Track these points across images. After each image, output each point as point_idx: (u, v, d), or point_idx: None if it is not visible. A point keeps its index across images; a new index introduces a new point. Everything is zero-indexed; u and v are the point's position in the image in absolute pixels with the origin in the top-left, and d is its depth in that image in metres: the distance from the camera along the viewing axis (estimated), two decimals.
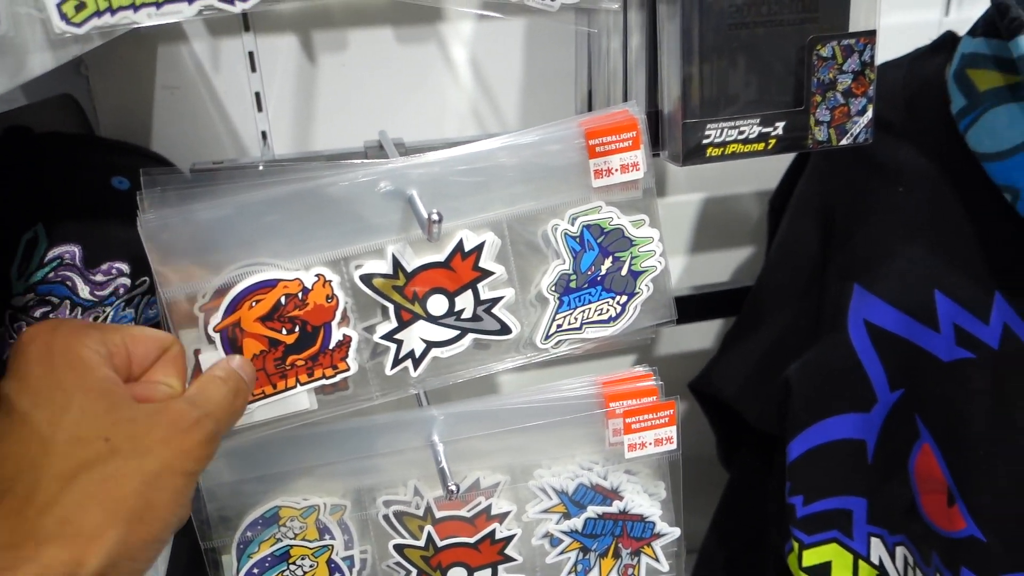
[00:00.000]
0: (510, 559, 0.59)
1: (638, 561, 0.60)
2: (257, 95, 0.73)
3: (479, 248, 0.51)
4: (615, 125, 0.51)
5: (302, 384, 0.50)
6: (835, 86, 0.57)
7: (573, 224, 0.53)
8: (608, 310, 0.55)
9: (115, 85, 0.71)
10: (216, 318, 0.48)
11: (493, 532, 0.58)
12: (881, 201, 0.67)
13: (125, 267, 0.58)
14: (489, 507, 0.58)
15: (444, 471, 0.53)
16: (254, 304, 0.48)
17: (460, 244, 0.51)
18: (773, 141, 0.58)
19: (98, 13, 0.41)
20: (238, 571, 0.55)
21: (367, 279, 0.50)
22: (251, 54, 0.72)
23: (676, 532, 0.60)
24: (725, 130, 0.57)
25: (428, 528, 0.57)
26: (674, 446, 0.57)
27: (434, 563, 0.58)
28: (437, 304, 0.52)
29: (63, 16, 0.40)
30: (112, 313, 0.58)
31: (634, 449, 0.57)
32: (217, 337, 0.48)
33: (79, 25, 0.40)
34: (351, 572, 0.57)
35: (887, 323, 0.65)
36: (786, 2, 0.55)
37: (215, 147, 0.74)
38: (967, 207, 0.63)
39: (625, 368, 0.59)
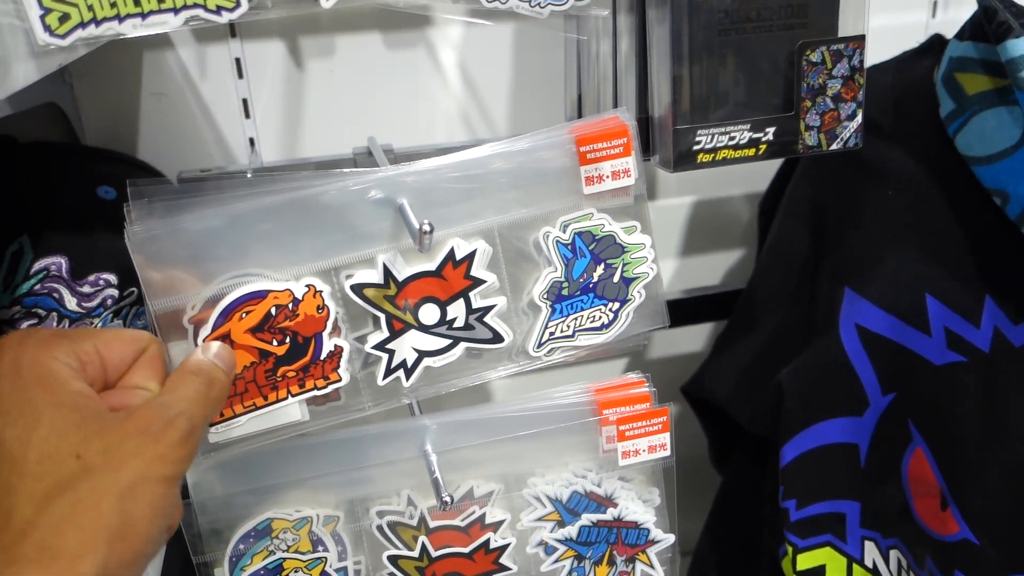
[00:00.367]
0: (505, 568, 0.59)
1: (633, 568, 0.60)
2: (244, 102, 0.73)
3: (470, 256, 0.51)
4: (606, 132, 0.51)
5: (293, 395, 0.50)
6: (825, 91, 0.57)
7: (565, 231, 0.53)
8: (601, 317, 0.55)
9: (100, 93, 0.70)
10: (206, 330, 0.47)
11: (487, 541, 0.58)
12: (871, 204, 0.67)
13: (113, 278, 0.57)
14: (483, 516, 0.57)
15: (438, 481, 0.53)
16: (244, 315, 0.48)
17: (451, 252, 0.51)
18: (764, 146, 0.58)
19: (82, 24, 0.40)
20: None
21: (358, 289, 0.50)
22: (238, 60, 0.71)
23: (671, 538, 0.60)
24: (716, 136, 0.56)
25: (422, 538, 0.57)
26: (668, 452, 0.57)
27: (428, 573, 0.58)
28: (429, 313, 0.51)
29: (47, 28, 0.40)
30: (100, 325, 0.58)
31: (628, 456, 0.56)
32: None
33: (63, 37, 0.40)
34: None
35: (878, 327, 0.65)
36: (775, 7, 0.55)
37: (202, 155, 0.73)
38: (956, 211, 0.63)
39: (617, 373, 0.58)
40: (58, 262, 0.56)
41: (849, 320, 0.66)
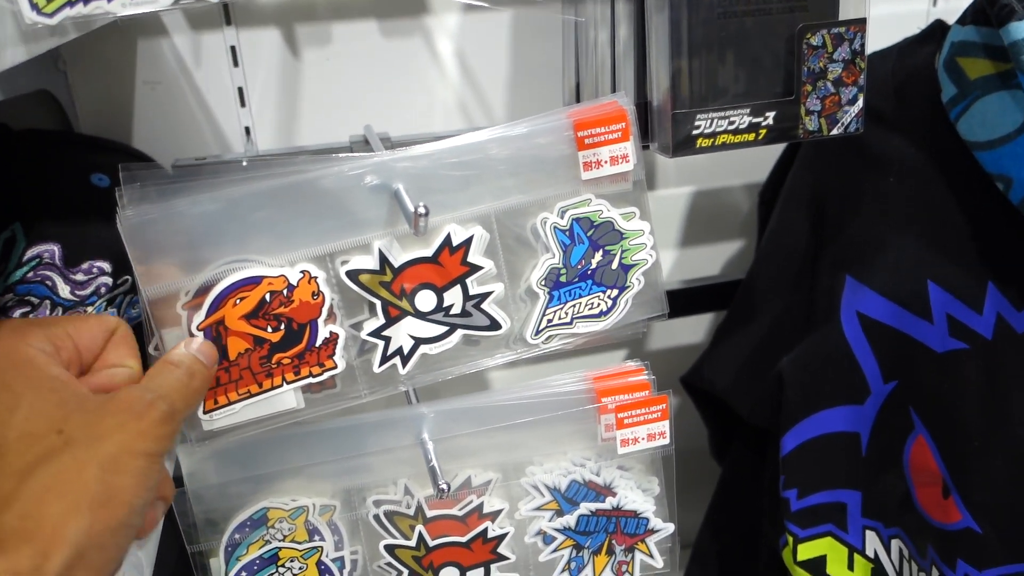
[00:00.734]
0: (503, 558, 0.58)
1: (632, 557, 0.60)
2: (240, 90, 0.72)
3: (467, 242, 0.50)
4: (604, 116, 0.50)
5: (288, 383, 0.49)
6: (826, 75, 0.56)
7: (562, 217, 0.52)
8: (599, 304, 0.54)
9: (94, 81, 0.69)
10: (199, 316, 0.47)
11: (485, 531, 0.57)
12: (872, 191, 0.67)
13: (106, 266, 0.57)
14: (481, 505, 0.57)
15: (435, 469, 0.53)
16: (238, 302, 0.47)
17: (448, 238, 0.50)
18: (764, 131, 0.57)
19: (70, 3, 0.39)
20: (226, 574, 0.54)
21: (353, 275, 0.49)
22: (233, 48, 0.71)
23: (670, 527, 0.59)
24: (715, 120, 0.56)
25: (419, 528, 0.56)
26: (667, 441, 0.57)
27: (426, 563, 0.57)
28: (425, 300, 0.51)
29: (34, 6, 0.39)
30: (94, 313, 0.57)
31: (627, 444, 0.56)
32: (200, 335, 0.47)
33: (51, 15, 0.39)
34: (341, 573, 0.57)
35: (880, 314, 0.65)
36: None
37: (198, 143, 0.73)
38: (959, 196, 0.62)
39: (616, 363, 0.58)
40: (51, 249, 0.55)
41: (850, 308, 0.66)
